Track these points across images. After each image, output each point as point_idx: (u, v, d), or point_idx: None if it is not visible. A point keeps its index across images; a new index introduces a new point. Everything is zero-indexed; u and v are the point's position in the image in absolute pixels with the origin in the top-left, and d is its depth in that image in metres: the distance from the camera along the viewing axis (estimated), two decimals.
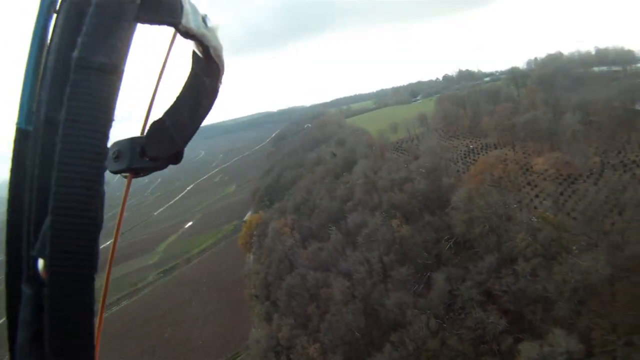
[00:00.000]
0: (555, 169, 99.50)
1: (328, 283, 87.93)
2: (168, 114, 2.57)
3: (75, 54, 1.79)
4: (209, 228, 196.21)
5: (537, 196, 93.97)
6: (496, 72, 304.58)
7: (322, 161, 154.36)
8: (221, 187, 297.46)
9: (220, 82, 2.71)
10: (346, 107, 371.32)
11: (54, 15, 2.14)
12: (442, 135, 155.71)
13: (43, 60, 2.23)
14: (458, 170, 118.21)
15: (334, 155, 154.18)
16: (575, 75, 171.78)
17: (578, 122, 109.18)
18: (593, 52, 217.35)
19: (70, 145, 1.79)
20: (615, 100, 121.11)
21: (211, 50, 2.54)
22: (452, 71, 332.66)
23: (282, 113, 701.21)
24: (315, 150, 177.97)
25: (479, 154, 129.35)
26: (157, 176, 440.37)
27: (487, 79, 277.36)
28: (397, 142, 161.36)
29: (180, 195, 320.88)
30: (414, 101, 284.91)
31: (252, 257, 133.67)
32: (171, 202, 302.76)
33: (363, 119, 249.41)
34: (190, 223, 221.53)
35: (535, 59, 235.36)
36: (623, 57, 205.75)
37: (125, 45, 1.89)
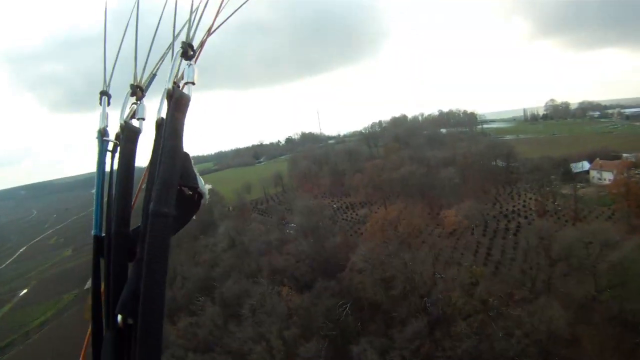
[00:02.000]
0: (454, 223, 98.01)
1: None
2: None
3: (151, 207, 2.70)
4: (47, 297, 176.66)
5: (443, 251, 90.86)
6: (339, 134, 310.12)
7: None
8: (57, 250, 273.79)
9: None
10: None
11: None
12: (304, 194, 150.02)
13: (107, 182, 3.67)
14: (346, 230, 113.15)
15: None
16: (426, 135, 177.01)
17: (454, 177, 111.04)
18: (436, 114, 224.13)
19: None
20: (478, 156, 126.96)
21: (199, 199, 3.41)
22: (294, 134, 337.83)
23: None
24: None
25: (355, 211, 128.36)
26: None
27: (332, 141, 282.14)
28: (255, 203, 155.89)
29: (13, 258, 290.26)
30: (258, 163, 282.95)
31: None
32: (2, 266, 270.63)
33: (207, 179, 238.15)
34: (24, 291, 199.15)
35: (380, 122, 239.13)
36: (467, 119, 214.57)
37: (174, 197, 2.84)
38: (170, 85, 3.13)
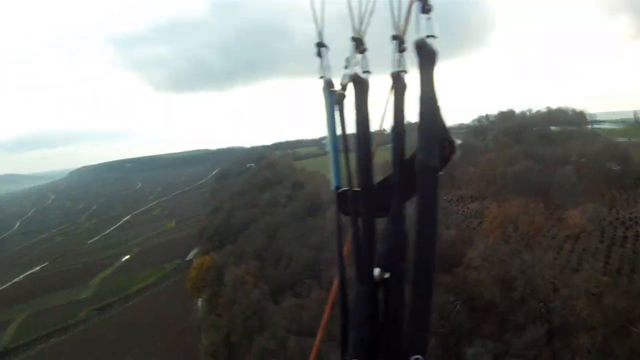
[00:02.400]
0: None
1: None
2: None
3: (419, 159, 2.59)
4: (148, 265, 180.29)
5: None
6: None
7: (279, 203, 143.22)
8: (160, 222, 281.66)
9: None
10: (291, 151, 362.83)
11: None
12: None
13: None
14: (459, 224, 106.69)
15: (289, 198, 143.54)
16: (536, 131, 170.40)
17: (571, 177, 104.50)
18: (544, 111, 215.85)
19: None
20: (592, 157, 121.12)
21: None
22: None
23: (221, 152, 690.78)
24: (268, 191, 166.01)
25: (465, 205, 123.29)
26: (92, 203, 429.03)
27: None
28: None
29: (116, 225, 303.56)
30: None
31: (201, 303, 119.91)
32: (106, 232, 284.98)
33: (312, 163, 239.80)
34: (126, 257, 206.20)
35: (487, 115, 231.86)
36: (576, 118, 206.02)
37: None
38: (412, 38, 2.85)
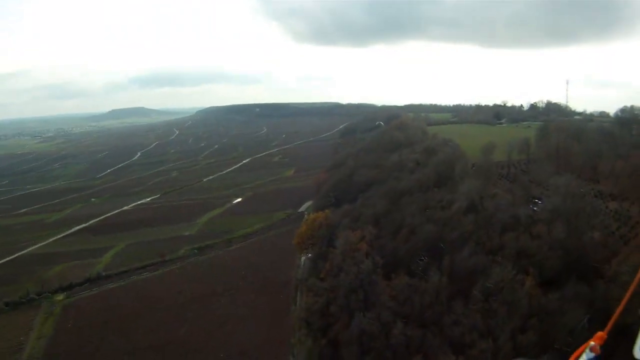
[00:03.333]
0: None
1: (424, 349, 59.49)
2: None
3: None
4: (258, 211, 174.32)
5: None
6: (585, 111, 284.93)
7: (405, 167, 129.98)
8: (279, 169, 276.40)
9: None
10: (424, 115, 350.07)
11: None
12: (551, 168, 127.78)
13: None
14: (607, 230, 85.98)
15: (418, 164, 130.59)
16: None
17: None
18: None
19: None
20: None
21: None
22: (539, 101, 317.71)
23: (351, 107, 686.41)
24: (396, 152, 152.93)
25: (604, 202, 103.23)
26: (215, 142, 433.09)
27: (578, 117, 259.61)
28: (498, 166, 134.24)
29: (234, 167, 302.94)
30: (498, 123, 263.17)
31: (305, 261, 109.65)
32: (223, 172, 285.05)
33: (445, 130, 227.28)
34: (238, 199, 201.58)
35: (632, 106, 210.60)
36: None
37: None
38: None
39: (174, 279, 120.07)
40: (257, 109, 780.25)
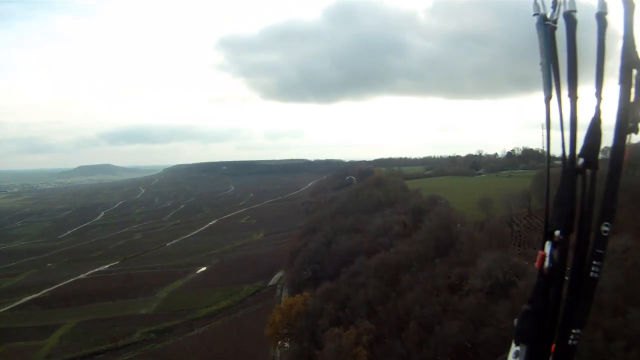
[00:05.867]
0: None
1: None
2: None
3: None
4: (225, 283, 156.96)
5: None
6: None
7: (392, 232, 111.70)
8: (247, 231, 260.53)
9: None
10: (398, 169, 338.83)
11: None
12: None
13: None
14: None
15: (405, 226, 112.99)
16: None
17: None
18: None
19: None
20: None
21: None
22: (515, 148, 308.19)
23: (320, 163, 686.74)
24: (377, 214, 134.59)
25: None
26: (180, 202, 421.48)
27: (559, 162, 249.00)
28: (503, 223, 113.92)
29: (200, 229, 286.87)
30: (477, 174, 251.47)
31: (280, 355, 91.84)
32: (188, 236, 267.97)
33: (422, 184, 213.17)
34: (203, 268, 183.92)
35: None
36: None
37: None
38: None
39: None
40: (224, 167, 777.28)
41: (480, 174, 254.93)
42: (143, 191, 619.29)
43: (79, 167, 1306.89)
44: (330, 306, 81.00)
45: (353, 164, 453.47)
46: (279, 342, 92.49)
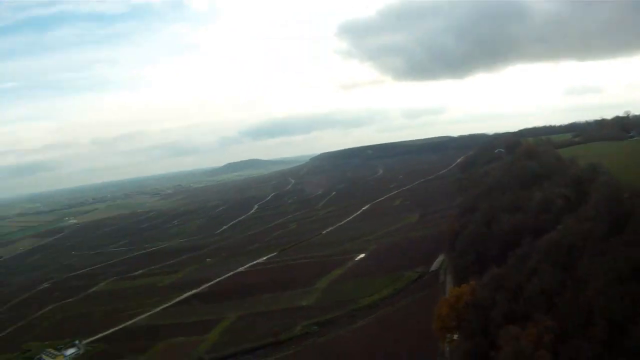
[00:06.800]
0: None
1: None
2: None
3: None
4: (384, 270, 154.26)
5: None
6: None
7: (555, 207, 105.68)
8: (401, 214, 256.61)
9: None
10: (545, 138, 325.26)
11: None
12: None
13: None
14: None
15: (569, 200, 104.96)
16: None
17: None
18: None
19: None
20: None
21: None
22: None
23: (464, 139, 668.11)
24: (535, 188, 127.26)
25: None
26: (331, 189, 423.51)
27: None
28: None
29: (354, 215, 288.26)
30: (629, 137, 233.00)
31: (452, 354, 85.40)
32: (342, 222, 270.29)
33: (574, 152, 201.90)
34: (361, 255, 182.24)
35: None
36: None
37: None
38: None
39: None
40: (370, 151, 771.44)
41: (632, 136, 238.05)
42: (293, 182, 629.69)
43: (226, 165, 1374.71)
44: (501, 296, 74.56)
45: (498, 137, 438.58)
46: (448, 336, 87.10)
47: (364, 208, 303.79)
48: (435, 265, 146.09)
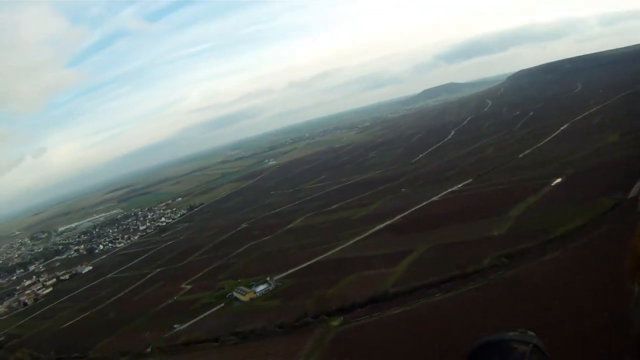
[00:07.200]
0: None
1: None
2: None
3: None
4: (578, 197, 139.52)
5: None
6: None
7: None
8: (600, 134, 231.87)
9: None
10: None
11: None
12: None
13: None
14: None
15: None
16: None
17: None
18: None
19: None
20: None
21: None
22: None
23: None
24: None
25: None
26: (529, 109, 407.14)
27: None
28: None
29: (552, 136, 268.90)
30: None
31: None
32: (539, 144, 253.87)
33: None
34: (557, 180, 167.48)
35: None
36: None
37: None
38: None
39: (466, 307, 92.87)
40: (568, 65, 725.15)
41: None
42: (490, 103, 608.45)
43: (423, 92, 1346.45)
44: None
45: None
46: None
47: (562, 127, 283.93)
48: (634, 192, 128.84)
